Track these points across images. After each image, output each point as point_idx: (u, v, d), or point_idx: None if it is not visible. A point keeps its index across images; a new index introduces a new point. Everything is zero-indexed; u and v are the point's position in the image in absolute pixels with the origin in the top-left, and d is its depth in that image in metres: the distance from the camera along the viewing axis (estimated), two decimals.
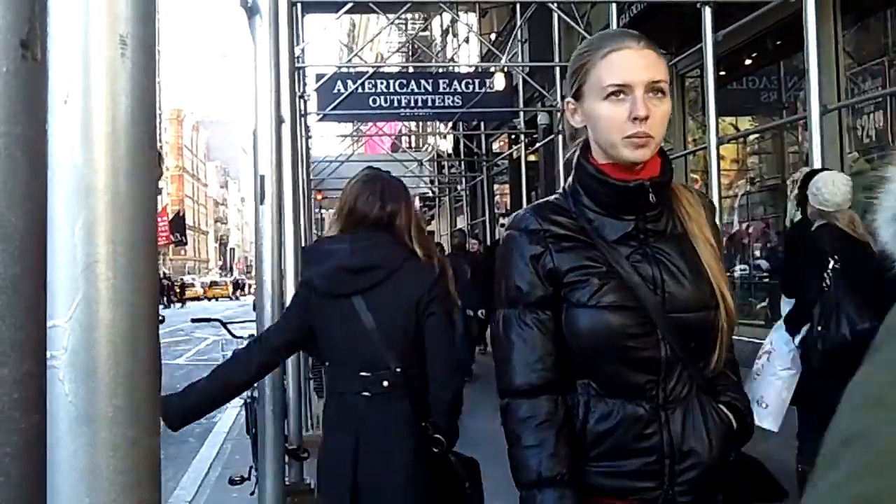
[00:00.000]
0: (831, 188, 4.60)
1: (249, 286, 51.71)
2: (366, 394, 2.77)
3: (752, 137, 11.25)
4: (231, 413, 9.35)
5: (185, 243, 74.97)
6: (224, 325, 6.42)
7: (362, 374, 2.78)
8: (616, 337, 1.70)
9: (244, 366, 3.01)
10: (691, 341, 1.75)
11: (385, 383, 2.76)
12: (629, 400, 1.72)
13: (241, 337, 6.01)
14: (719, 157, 8.26)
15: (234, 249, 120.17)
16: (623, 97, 1.69)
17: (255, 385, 3.61)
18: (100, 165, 0.74)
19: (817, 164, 6.19)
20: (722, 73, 9.35)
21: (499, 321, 1.78)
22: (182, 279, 54.56)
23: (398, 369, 2.77)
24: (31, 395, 0.57)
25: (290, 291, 5.66)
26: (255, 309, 4.02)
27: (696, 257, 1.78)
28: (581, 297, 1.72)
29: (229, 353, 5.89)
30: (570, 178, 1.91)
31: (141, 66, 0.76)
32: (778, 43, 9.84)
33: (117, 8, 0.75)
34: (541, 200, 1.98)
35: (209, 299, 53.81)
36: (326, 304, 2.85)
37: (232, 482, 5.01)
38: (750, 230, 11.12)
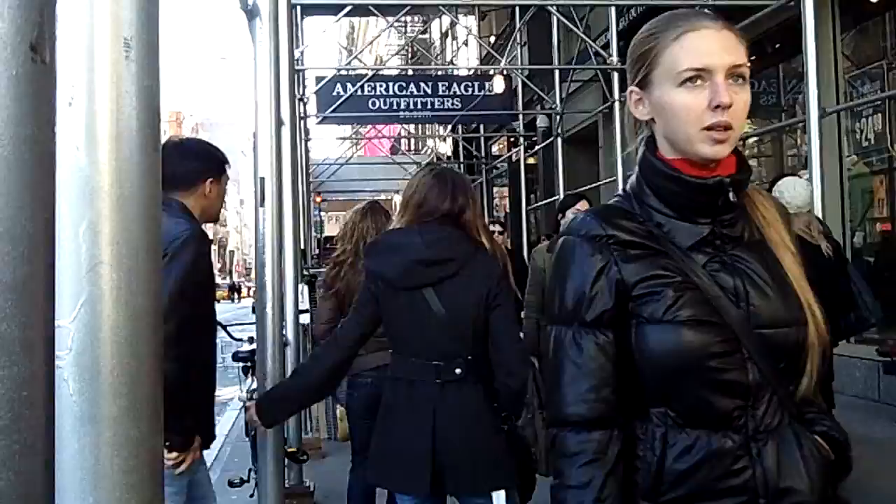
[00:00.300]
0: (792, 192, 4.84)
1: (249, 289, 51.89)
2: (438, 381, 2.87)
3: (751, 140, 11.26)
4: (230, 415, 9.33)
5: None
6: (223, 327, 6.42)
7: (435, 362, 2.88)
8: (697, 357, 1.49)
9: (321, 364, 3.06)
10: (780, 362, 1.53)
11: (458, 371, 2.87)
12: (714, 430, 1.49)
13: (240, 339, 6.01)
14: None
15: (233, 252, 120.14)
16: (701, 83, 1.50)
17: (256, 387, 3.60)
18: (104, 167, 0.75)
19: (816, 167, 6.20)
20: None
21: (550, 340, 1.57)
22: None
23: (469, 357, 2.88)
24: (40, 394, 0.57)
25: (290, 293, 5.68)
26: (254, 311, 4.00)
27: (779, 267, 1.58)
28: (654, 312, 1.50)
29: (229, 356, 5.91)
30: (631, 179, 1.70)
31: (145, 68, 0.77)
32: (777, 46, 9.86)
33: (121, 11, 0.76)
34: (604, 204, 1.77)
35: (218, 301, 54.42)
36: (398, 295, 2.94)
37: (231, 484, 4.98)
38: None
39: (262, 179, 3.30)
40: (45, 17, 0.55)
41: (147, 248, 0.77)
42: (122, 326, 0.76)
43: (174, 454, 2.73)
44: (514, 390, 2.73)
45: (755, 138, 11.20)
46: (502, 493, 2.92)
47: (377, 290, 2.96)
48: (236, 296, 58.84)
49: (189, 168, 3.01)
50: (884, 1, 8.37)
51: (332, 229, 29.35)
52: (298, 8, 11.59)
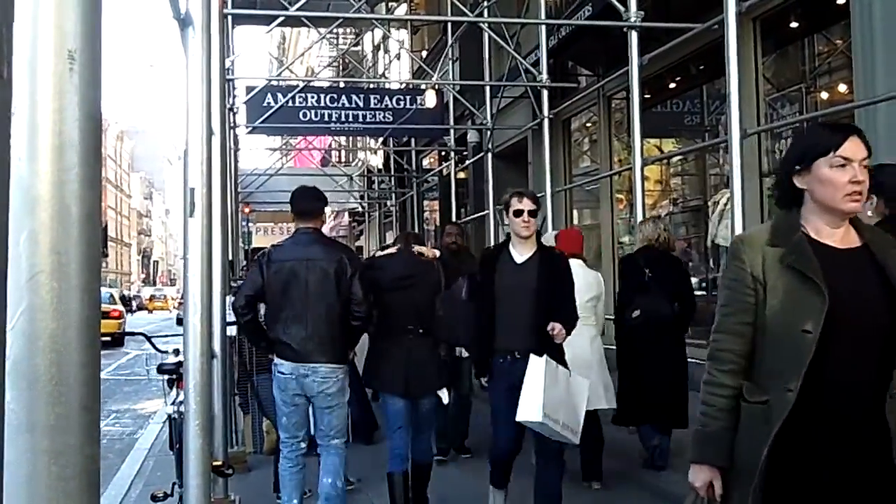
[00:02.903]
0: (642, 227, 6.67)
1: (176, 299, 51.18)
2: (411, 336, 5.14)
3: (675, 159, 11.53)
4: (153, 429, 9.16)
5: (107, 255, 73.26)
6: (148, 339, 6.31)
7: (409, 326, 5.14)
8: None
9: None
10: None
11: (420, 330, 5.14)
12: None
13: (165, 352, 5.91)
14: (643, 178, 8.45)
15: (157, 262, 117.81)
16: None
17: (182, 400, 3.56)
18: (45, 177, 0.76)
19: (737, 186, 6.39)
20: (647, 95, 9.58)
21: None
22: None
23: (425, 324, 5.15)
24: None
25: (217, 305, 5.61)
26: (179, 323, 3.93)
27: None
28: None
29: (153, 368, 5.80)
30: None
31: (89, 80, 0.78)
32: (701, 68, 10.13)
33: (66, 23, 0.76)
34: None
35: (150, 311, 53.93)
36: (385, 293, 5.23)
37: (154, 499, 4.90)
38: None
39: (192, 190, 3.27)
40: (4, 35, 0.56)
41: (87, 259, 0.77)
42: (61, 335, 0.76)
43: None
44: (445, 339, 5.30)
45: (679, 157, 11.47)
46: (444, 390, 5.31)
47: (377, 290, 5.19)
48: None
49: (317, 206, 5.28)
50: (804, 26, 8.68)
51: (260, 241, 28.98)
52: (230, 17, 11.50)
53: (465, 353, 6.46)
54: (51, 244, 0.75)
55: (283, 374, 4.92)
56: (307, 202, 5.12)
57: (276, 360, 4.96)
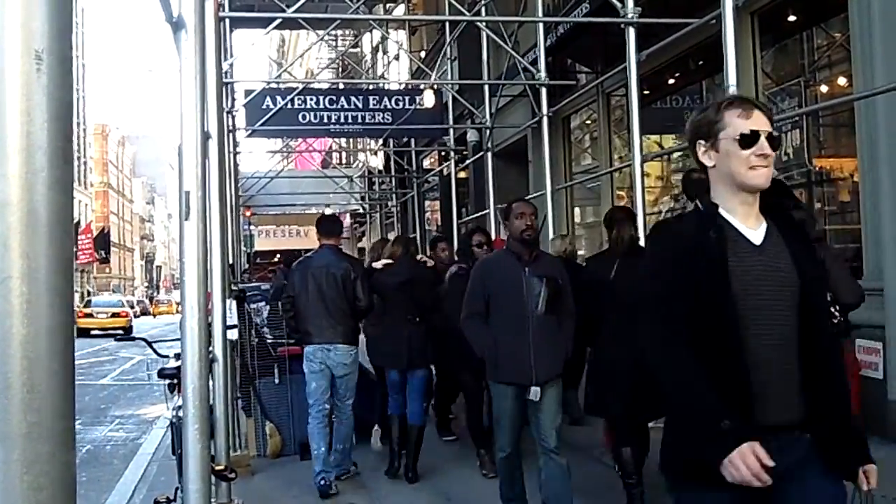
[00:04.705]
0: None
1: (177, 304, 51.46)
2: (410, 322, 6.43)
3: (675, 155, 11.50)
4: (157, 434, 9.15)
5: (109, 261, 73.25)
6: (149, 343, 6.30)
7: (409, 315, 6.45)
8: None
9: None
10: None
11: (416, 319, 6.47)
12: None
13: (166, 356, 5.90)
14: (644, 174, 8.43)
15: (160, 267, 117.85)
16: None
17: (181, 404, 3.55)
18: (14, 180, 0.74)
19: None
20: (646, 92, 9.56)
21: None
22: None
23: (420, 313, 6.51)
24: None
25: (217, 308, 5.59)
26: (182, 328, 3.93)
27: None
28: None
29: (154, 373, 5.79)
30: None
31: (57, 81, 0.76)
32: (700, 63, 10.11)
33: (33, 23, 0.75)
34: None
35: (154, 315, 54.21)
36: (388, 292, 6.67)
37: None
38: None
39: (188, 193, 3.25)
40: None
41: (57, 263, 0.76)
42: (33, 342, 0.74)
43: None
44: (436, 326, 6.46)
45: (679, 153, 11.44)
46: (431, 367, 6.76)
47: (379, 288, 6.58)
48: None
49: (336, 228, 6.89)
50: (801, 20, 8.65)
51: (262, 244, 28.98)
52: (227, 21, 11.49)
53: None
54: (20, 248, 0.74)
55: (311, 351, 6.38)
56: (329, 225, 6.89)
57: (306, 345, 6.42)
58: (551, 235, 10.35)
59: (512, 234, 4.96)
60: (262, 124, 13.57)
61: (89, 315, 32.05)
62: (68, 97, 0.78)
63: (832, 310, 4.76)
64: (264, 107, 13.52)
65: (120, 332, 26.77)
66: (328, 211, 25.59)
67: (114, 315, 32.68)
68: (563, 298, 4.85)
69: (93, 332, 29.27)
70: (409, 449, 6.59)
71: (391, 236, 24.04)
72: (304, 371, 6.47)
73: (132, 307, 39.63)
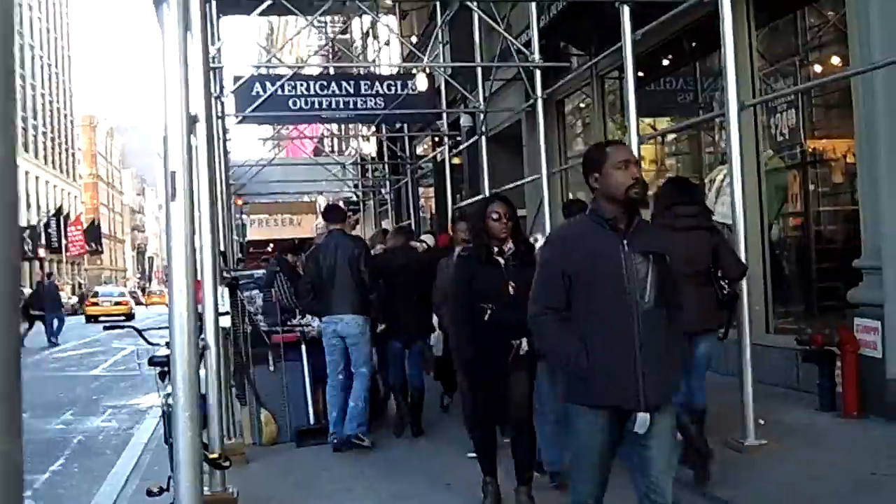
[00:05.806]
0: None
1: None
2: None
3: (670, 138, 11.42)
4: (150, 423, 9.07)
5: (101, 252, 72.97)
6: (139, 332, 6.21)
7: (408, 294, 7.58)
8: None
9: None
10: None
11: (415, 297, 7.49)
12: None
13: (157, 344, 5.80)
14: (639, 157, 8.34)
15: (152, 258, 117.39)
16: None
17: (171, 392, 3.47)
18: None
19: (736, 160, 6.28)
20: (640, 74, 9.46)
21: None
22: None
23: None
24: None
25: (209, 295, 5.50)
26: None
27: None
28: None
29: (145, 362, 5.70)
30: None
31: None
32: (693, 44, 10.01)
33: None
34: None
35: (146, 305, 54.78)
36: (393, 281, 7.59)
37: (150, 494, 4.81)
38: None
39: (174, 173, 3.15)
40: None
41: (1, 253, 0.66)
42: None
43: None
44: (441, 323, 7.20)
45: (674, 135, 11.36)
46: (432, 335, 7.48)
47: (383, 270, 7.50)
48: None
49: (342, 215, 8.02)
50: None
51: (255, 233, 28.80)
52: (213, 3, 11.34)
53: None
54: None
55: (326, 324, 7.24)
56: (335, 213, 8.05)
57: (321, 319, 7.36)
58: (548, 220, 10.27)
59: (608, 192, 3.37)
60: (251, 111, 13.43)
61: (96, 304, 38.02)
62: (10, 84, 0.69)
63: (721, 283, 5.52)
64: (254, 93, 13.37)
65: (122, 318, 32.72)
66: (321, 199, 25.45)
67: (117, 303, 38.56)
68: (674, 284, 3.47)
69: (100, 319, 31.59)
70: (414, 409, 7.61)
71: (385, 224, 23.93)
72: (324, 344, 7.29)
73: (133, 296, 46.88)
